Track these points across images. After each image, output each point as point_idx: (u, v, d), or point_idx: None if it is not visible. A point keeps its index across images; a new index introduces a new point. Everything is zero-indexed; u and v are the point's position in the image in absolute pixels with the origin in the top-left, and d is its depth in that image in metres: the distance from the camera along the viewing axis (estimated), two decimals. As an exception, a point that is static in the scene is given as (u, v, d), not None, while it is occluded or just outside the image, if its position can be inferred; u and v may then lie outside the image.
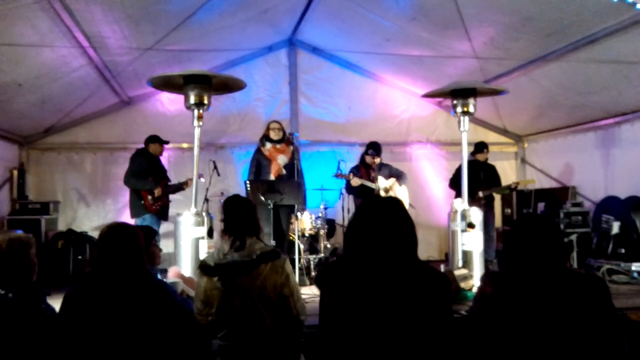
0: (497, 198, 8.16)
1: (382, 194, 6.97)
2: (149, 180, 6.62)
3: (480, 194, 7.09)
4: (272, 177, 6.42)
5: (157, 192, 6.61)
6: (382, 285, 2.09)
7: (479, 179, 7.17)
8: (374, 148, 7.06)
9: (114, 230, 2.67)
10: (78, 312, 2.51)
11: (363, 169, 7.12)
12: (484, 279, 2.39)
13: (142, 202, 6.56)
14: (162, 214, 6.70)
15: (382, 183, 7.03)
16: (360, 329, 2.09)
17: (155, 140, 6.85)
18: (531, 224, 2.35)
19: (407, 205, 7.01)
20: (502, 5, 5.58)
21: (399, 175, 7.18)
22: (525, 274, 2.22)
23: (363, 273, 2.12)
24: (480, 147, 7.46)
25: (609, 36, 5.46)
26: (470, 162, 7.29)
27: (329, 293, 2.22)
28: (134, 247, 2.60)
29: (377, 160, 7.04)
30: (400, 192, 7.11)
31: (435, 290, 2.13)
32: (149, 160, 6.76)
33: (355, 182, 6.97)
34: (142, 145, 6.91)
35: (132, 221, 6.58)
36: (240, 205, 3.10)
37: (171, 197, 6.93)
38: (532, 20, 5.69)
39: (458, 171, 6.26)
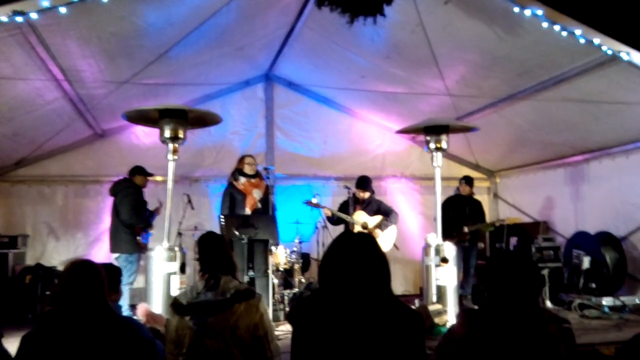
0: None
1: (358, 228, 6.84)
2: (146, 215, 6.51)
3: (466, 229, 7.06)
4: (248, 211, 6.34)
5: (150, 229, 6.53)
6: (353, 322, 2.07)
7: (464, 214, 7.20)
8: (359, 182, 7.01)
9: (78, 266, 2.57)
10: (37, 355, 2.38)
11: (354, 202, 6.98)
12: (459, 315, 2.39)
13: (138, 237, 6.33)
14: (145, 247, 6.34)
15: (362, 218, 6.90)
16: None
17: (140, 172, 6.63)
18: (508, 262, 2.29)
19: (390, 245, 6.89)
20: (473, 45, 5.75)
21: (387, 213, 6.97)
22: (497, 313, 2.22)
23: (335, 310, 2.11)
24: (466, 180, 7.48)
25: (577, 77, 5.66)
26: (456, 197, 7.40)
27: (300, 329, 2.20)
28: (97, 284, 2.51)
29: (366, 195, 6.96)
30: (385, 232, 6.85)
31: (408, 329, 2.12)
32: (140, 193, 6.56)
33: (327, 211, 6.96)
34: (118, 177, 6.74)
35: (113, 256, 6.35)
36: (214, 242, 3.07)
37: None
38: (502, 60, 5.87)
39: (443, 206, 6.29)
